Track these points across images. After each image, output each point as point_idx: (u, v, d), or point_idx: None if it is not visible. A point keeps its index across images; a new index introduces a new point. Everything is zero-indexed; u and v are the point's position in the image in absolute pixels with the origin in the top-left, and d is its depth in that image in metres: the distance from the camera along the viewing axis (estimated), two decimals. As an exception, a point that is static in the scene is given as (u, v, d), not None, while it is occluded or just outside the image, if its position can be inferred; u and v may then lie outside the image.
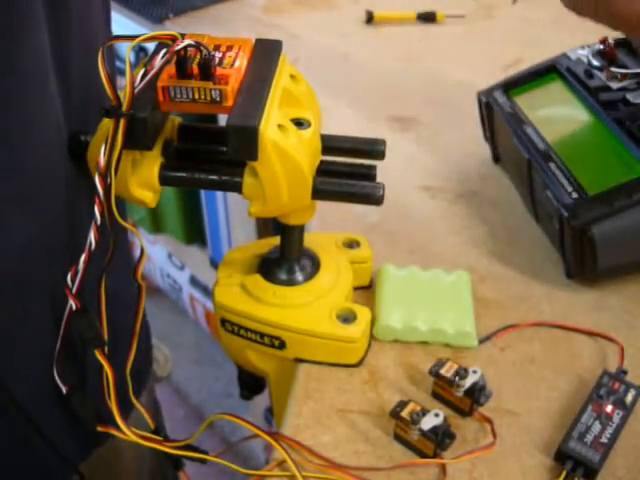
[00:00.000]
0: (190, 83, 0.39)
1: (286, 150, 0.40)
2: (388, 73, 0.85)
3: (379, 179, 0.46)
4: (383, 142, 0.47)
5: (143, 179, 0.43)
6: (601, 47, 0.59)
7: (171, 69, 0.39)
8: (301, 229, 0.49)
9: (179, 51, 0.38)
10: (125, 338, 0.47)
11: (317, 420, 0.46)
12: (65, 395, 0.46)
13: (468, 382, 0.44)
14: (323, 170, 0.46)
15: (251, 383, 0.58)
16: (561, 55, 0.63)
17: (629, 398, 0.45)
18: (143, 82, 0.38)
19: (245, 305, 0.49)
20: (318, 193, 0.44)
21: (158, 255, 1.50)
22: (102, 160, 0.38)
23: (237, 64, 0.40)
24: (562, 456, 0.42)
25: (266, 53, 0.43)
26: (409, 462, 0.43)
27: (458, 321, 0.50)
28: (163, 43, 0.39)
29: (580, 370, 0.49)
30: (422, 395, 0.47)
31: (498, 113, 0.62)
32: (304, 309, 0.48)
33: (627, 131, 0.54)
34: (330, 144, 0.47)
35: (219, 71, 0.39)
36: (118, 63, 0.57)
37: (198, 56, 0.39)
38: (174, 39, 0.38)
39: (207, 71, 0.39)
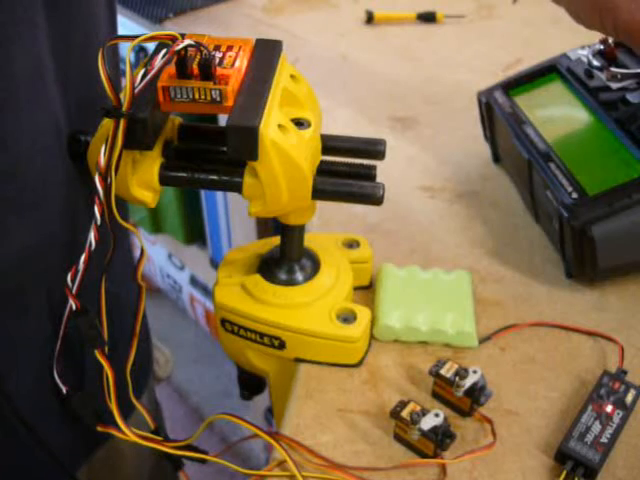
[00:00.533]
0: (190, 83, 0.39)
1: (286, 150, 0.40)
2: (388, 73, 0.85)
3: (379, 179, 0.46)
4: (383, 142, 0.47)
5: (143, 179, 0.43)
6: (601, 47, 0.59)
7: (171, 69, 0.39)
8: (301, 229, 0.49)
9: (179, 51, 0.38)
10: (125, 338, 0.47)
11: (317, 420, 0.46)
12: (65, 395, 0.46)
13: (468, 382, 0.44)
14: (323, 170, 0.46)
15: (251, 383, 0.58)
16: (561, 55, 0.63)
17: (629, 398, 0.45)
18: (143, 82, 0.38)
19: (245, 305, 0.49)
20: (318, 193, 0.44)
21: (158, 255, 1.50)
22: (102, 160, 0.38)
23: (237, 64, 0.40)
24: (562, 456, 0.43)
25: (266, 53, 0.43)
26: (409, 462, 0.43)
27: (458, 321, 0.50)
28: (163, 43, 0.39)
29: (580, 370, 0.49)
30: (422, 395, 0.47)
31: (498, 113, 0.62)
32: (304, 309, 0.48)
33: (627, 131, 0.54)
34: (330, 144, 0.47)
35: (219, 71, 0.39)
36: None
37: (198, 56, 0.39)
38: (174, 39, 0.38)
39: (207, 71, 0.38)
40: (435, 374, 0.45)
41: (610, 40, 0.58)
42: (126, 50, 0.37)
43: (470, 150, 0.70)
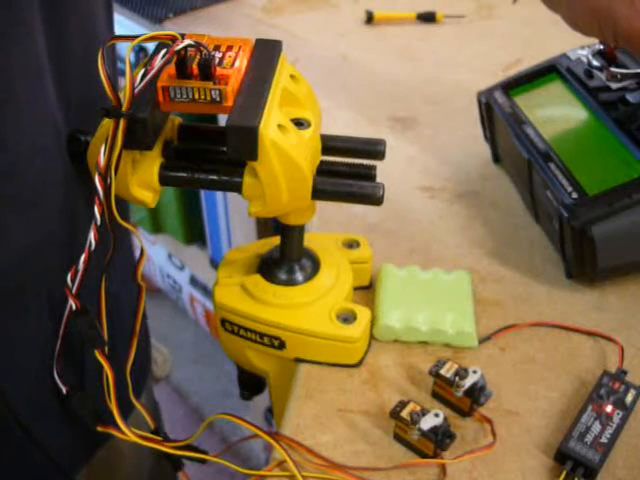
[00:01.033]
0: (190, 83, 0.39)
1: (286, 150, 0.40)
2: (388, 73, 0.85)
3: (379, 179, 0.46)
4: (383, 142, 0.47)
5: (143, 179, 0.43)
6: (601, 47, 0.59)
7: (171, 69, 0.39)
8: (301, 229, 0.49)
9: (179, 51, 0.38)
10: (125, 338, 0.47)
11: (317, 420, 0.46)
12: (65, 395, 0.46)
13: (468, 382, 0.44)
14: (323, 170, 0.46)
15: (251, 383, 0.58)
16: (561, 55, 0.63)
17: (629, 398, 0.45)
18: (143, 82, 0.38)
19: (245, 305, 0.49)
20: (318, 193, 0.44)
21: (158, 255, 1.50)
22: (102, 160, 0.38)
23: (237, 64, 0.40)
24: (562, 456, 0.42)
25: (266, 53, 0.43)
26: (409, 462, 0.43)
27: (458, 321, 0.50)
28: (163, 43, 0.39)
29: (580, 370, 0.49)
30: (422, 395, 0.47)
31: (498, 113, 0.62)
32: (304, 309, 0.48)
33: (627, 131, 0.54)
34: (330, 144, 0.47)
35: (219, 71, 0.39)
36: (118, 63, 0.57)
37: (198, 56, 0.39)
38: (174, 39, 0.38)
39: (207, 71, 0.38)
40: (435, 374, 0.45)
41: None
42: (125, 50, 0.37)
43: (470, 150, 0.70)
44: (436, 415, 0.42)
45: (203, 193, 1.21)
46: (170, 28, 0.97)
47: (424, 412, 0.43)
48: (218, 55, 0.41)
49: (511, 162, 0.64)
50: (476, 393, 0.44)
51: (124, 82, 0.38)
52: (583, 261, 0.52)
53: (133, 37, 0.38)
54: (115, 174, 0.39)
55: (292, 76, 0.44)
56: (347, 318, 0.48)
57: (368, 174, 0.46)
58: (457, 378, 0.44)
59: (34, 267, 0.44)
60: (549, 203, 0.54)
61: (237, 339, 0.50)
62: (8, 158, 0.40)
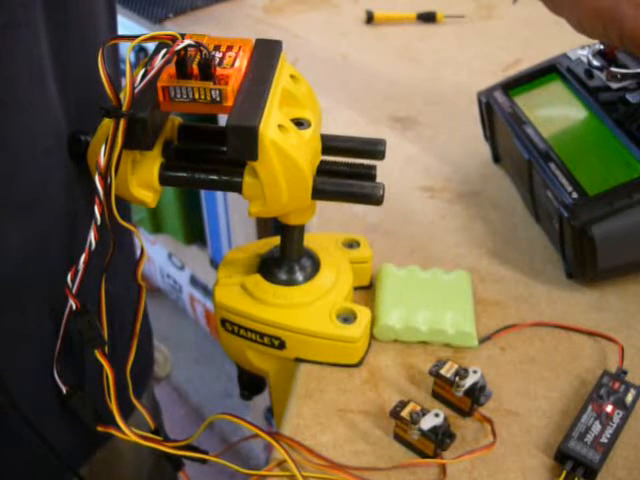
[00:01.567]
0: (190, 83, 0.39)
1: (286, 150, 0.40)
2: (388, 73, 0.85)
3: (379, 179, 0.46)
4: (383, 142, 0.47)
5: (143, 179, 0.43)
6: (601, 47, 0.59)
7: (171, 69, 0.39)
8: (301, 229, 0.49)
9: (179, 51, 0.38)
10: (125, 338, 0.47)
11: (317, 420, 0.46)
12: (65, 395, 0.46)
13: (468, 382, 0.44)
14: (323, 170, 0.46)
15: (251, 383, 0.58)
16: (561, 55, 0.63)
17: (629, 398, 0.45)
18: (143, 82, 0.38)
19: (245, 305, 0.49)
20: (318, 193, 0.44)
21: (158, 255, 1.50)
22: (102, 160, 0.38)
23: (237, 64, 0.40)
24: (562, 456, 0.42)
25: (266, 53, 0.43)
26: (409, 462, 0.43)
27: (458, 321, 0.50)
28: (163, 43, 0.39)
29: (580, 370, 0.49)
30: (422, 395, 0.47)
31: (498, 113, 0.62)
32: (304, 309, 0.48)
33: (627, 131, 0.54)
34: (330, 144, 0.47)
35: (219, 71, 0.39)
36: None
37: (198, 56, 0.39)
38: (174, 39, 0.38)
39: (207, 71, 0.38)
40: (435, 374, 0.45)
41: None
42: (126, 50, 0.37)
43: (470, 150, 0.70)
44: (436, 415, 0.42)
45: (203, 193, 1.21)
46: (170, 28, 0.97)
47: (424, 412, 0.43)
48: (218, 55, 0.41)
49: (511, 162, 0.64)
50: (476, 393, 0.44)
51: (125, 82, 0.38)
52: (583, 261, 0.52)
53: (133, 37, 0.38)
54: (115, 174, 0.39)
55: (292, 76, 0.44)
56: (347, 318, 0.48)
57: (368, 174, 0.46)
58: (457, 378, 0.44)
59: (35, 267, 0.44)
60: (549, 203, 0.54)
61: (237, 339, 0.50)
62: (10, 159, 0.40)
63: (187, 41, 0.38)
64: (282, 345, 0.48)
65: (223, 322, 0.50)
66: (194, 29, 0.96)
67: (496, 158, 0.68)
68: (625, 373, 0.47)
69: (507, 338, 0.51)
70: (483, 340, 0.50)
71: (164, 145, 0.44)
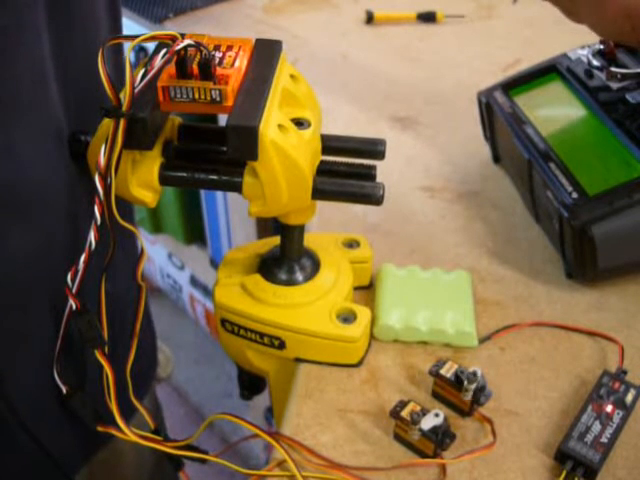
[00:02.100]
0: (190, 83, 0.39)
1: (286, 150, 0.40)
2: (388, 73, 0.85)
3: (379, 179, 0.46)
4: (383, 142, 0.47)
5: (143, 179, 0.43)
6: (601, 47, 0.59)
7: (171, 69, 0.39)
8: (301, 229, 0.49)
9: (179, 51, 0.38)
10: (126, 338, 0.47)
11: (317, 420, 0.46)
12: (65, 395, 0.46)
13: (475, 385, 0.44)
14: (323, 170, 0.46)
15: (251, 383, 0.58)
16: (561, 55, 0.63)
17: (629, 398, 0.45)
18: (143, 82, 0.38)
19: (245, 305, 0.49)
20: (318, 193, 0.44)
21: (158, 255, 1.50)
22: (102, 160, 0.38)
23: (237, 64, 0.40)
24: (562, 456, 0.42)
25: (266, 53, 0.43)
26: (409, 462, 0.43)
27: (458, 321, 0.50)
28: (163, 43, 0.39)
29: (580, 370, 0.49)
30: (422, 395, 0.47)
31: (498, 113, 0.62)
32: (304, 309, 0.48)
33: (627, 131, 0.54)
34: (330, 144, 0.47)
35: (219, 71, 0.39)
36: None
37: (198, 56, 0.39)
38: (174, 39, 0.38)
39: (207, 71, 0.38)
40: (435, 374, 0.45)
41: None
42: (126, 50, 0.37)
43: (470, 150, 0.70)
44: (436, 415, 0.42)
45: (203, 193, 1.21)
46: (170, 28, 0.97)
47: (424, 412, 0.43)
48: (218, 55, 0.41)
49: (511, 162, 0.64)
50: (476, 393, 0.44)
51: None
52: (583, 261, 0.52)
53: (133, 37, 0.38)
54: (115, 174, 0.39)
55: (292, 76, 0.44)
56: (347, 318, 0.48)
57: (368, 174, 0.46)
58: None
59: (35, 268, 0.44)
60: (549, 203, 0.54)
61: (237, 339, 0.50)
62: (12, 162, 0.40)
63: (187, 41, 0.38)
64: (282, 345, 0.48)
65: (223, 322, 0.50)
66: (194, 29, 0.96)
67: (496, 158, 0.68)
68: (625, 373, 0.47)
69: (507, 338, 0.51)
70: (483, 340, 0.50)
71: (164, 145, 0.44)
